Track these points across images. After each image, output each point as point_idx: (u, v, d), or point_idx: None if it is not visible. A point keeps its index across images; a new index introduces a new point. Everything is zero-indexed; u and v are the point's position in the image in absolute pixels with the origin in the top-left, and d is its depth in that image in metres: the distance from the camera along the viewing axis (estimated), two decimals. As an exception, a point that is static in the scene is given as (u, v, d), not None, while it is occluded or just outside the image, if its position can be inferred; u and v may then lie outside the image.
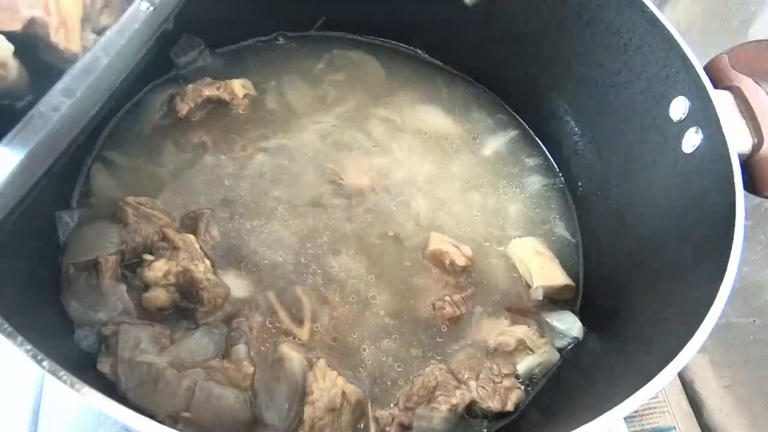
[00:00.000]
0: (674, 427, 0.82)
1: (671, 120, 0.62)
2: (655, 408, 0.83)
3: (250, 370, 0.57)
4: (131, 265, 0.62)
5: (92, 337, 0.57)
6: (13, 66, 0.48)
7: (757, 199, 0.60)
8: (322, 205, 0.72)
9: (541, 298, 0.68)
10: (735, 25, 0.83)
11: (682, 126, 0.60)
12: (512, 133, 0.85)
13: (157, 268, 0.59)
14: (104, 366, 0.54)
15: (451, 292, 0.67)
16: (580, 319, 0.68)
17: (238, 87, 0.78)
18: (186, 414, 0.53)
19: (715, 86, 0.58)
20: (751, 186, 0.57)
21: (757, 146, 0.57)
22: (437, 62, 0.89)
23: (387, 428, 0.57)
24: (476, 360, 0.62)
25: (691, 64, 0.59)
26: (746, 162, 0.57)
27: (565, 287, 0.69)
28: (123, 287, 0.60)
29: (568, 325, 0.67)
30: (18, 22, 0.48)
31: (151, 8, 0.51)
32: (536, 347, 0.64)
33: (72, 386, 0.38)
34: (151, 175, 0.71)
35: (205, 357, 0.58)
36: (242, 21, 0.83)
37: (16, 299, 0.48)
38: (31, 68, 0.49)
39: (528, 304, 0.69)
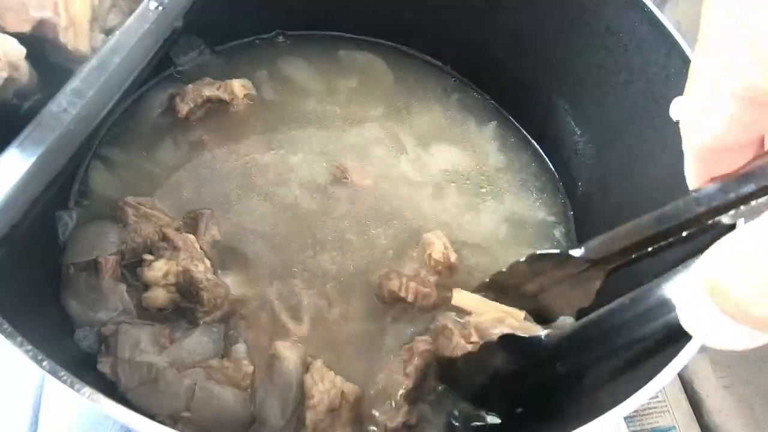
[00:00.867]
0: (674, 427, 0.82)
1: (671, 120, 0.61)
2: (655, 408, 0.83)
3: (250, 369, 0.57)
4: (131, 265, 0.62)
5: (92, 337, 0.57)
6: (25, 68, 0.49)
7: (757, 199, 0.60)
8: (322, 205, 0.72)
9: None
10: (735, 25, 0.83)
11: (682, 126, 0.60)
12: (510, 133, 0.85)
13: (157, 268, 0.59)
14: (104, 366, 0.54)
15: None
16: (577, 318, 0.68)
17: (238, 87, 0.77)
18: (186, 414, 0.53)
19: (715, 86, 0.58)
20: (751, 186, 0.57)
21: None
22: (436, 62, 0.89)
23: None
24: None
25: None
26: (746, 162, 0.57)
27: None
28: (123, 287, 0.60)
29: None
30: (27, 24, 0.49)
31: (161, 8, 0.51)
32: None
33: (72, 386, 0.38)
34: (150, 175, 0.71)
35: (205, 356, 0.58)
36: (242, 20, 0.83)
37: (16, 299, 0.48)
38: (38, 69, 0.50)
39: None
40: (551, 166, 0.83)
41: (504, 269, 0.48)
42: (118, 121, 0.74)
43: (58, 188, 0.66)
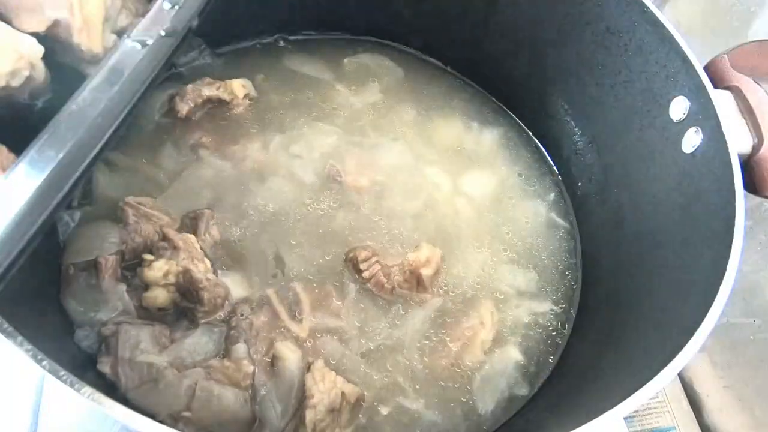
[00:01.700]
0: (674, 427, 0.82)
1: (671, 120, 0.62)
2: (655, 408, 0.83)
3: (250, 369, 0.57)
4: (131, 265, 0.62)
5: (92, 337, 0.57)
6: (42, 68, 0.49)
7: (757, 199, 0.60)
8: (321, 205, 0.72)
9: None
10: (735, 25, 0.83)
11: (682, 126, 0.60)
12: (511, 132, 0.85)
13: (157, 268, 0.59)
14: (104, 366, 0.54)
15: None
16: (577, 320, 0.69)
17: (238, 87, 0.78)
18: (186, 414, 0.53)
19: (715, 86, 0.58)
20: (751, 186, 0.57)
21: (757, 146, 0.57)
22: (436, 62, 0.89)
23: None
24: None
25: (691, 64, 0.59)
26: (746, 162, 0.57)
27: None
28: (123, 287, 0.59)
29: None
30: (43, 24, 0.49)
31: (176, 7, 0.51)
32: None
33: (72, 386, 0.38)
34: (151, 175, 0.71)
35: (205, 356, 0.58)
36: (243, 21, 0.83)
37: (16, 299, 0.48)
38: (50, 69, 0.50)
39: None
40: (552, 166, 0.83)
41: None
42: (119, 123, 0.74)
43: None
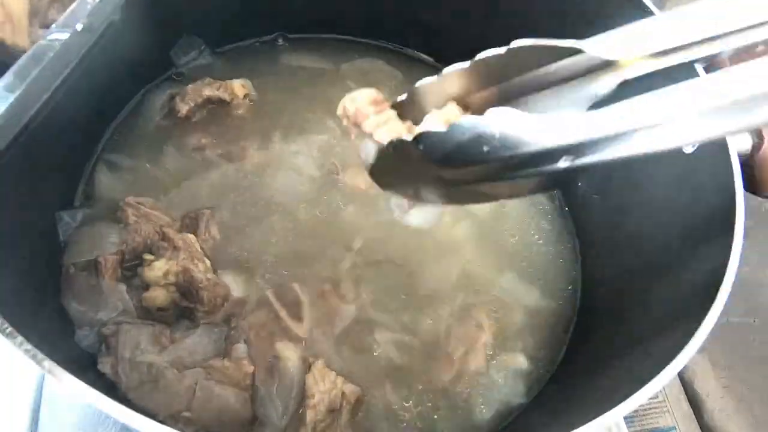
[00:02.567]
0: (674, 427, 0.82)
1: (671, 120, 0.61)
2: (655, 408, 0.83)
3: (250, 369, 0.57)
4: (131, 265, 0.62)
5: (92, 337, 0.57)
6: None
7: (757, 199, 0.60)
8: (320, 205, 0.71)
9: None
10: (735, 25, 0.83)
11: (682, 126, 0.60)
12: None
13: (157, 268, 0.59)
14: (105, 366, 0.54)
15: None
16: (577, 321, 0.69)
17: (238, 87, 0.78)
18: (187, 414, 0.53)
19: (715, 86, 0.58)
20: (751, 186, 0.57)
21: (757, 146, 0.57)
22: (436, 63, 0.89)
23: None
24: None
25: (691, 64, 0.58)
26: (746, 162, 0.57)
27: None
28: (123, 287, 0.60)
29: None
30: None
31: (97, 1, 0.51)
32: None
33: (72, 386, 0.38)
34: (151, 176, 0.71)
35: (205, 356, 0.58)
36: (242, 21, 0.83)
37: (16, 299, 0.48)
38: None
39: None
40: (551, 166, 0.83)
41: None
42: (120, 123, 0.75)
43: (60, 189, 0.67)
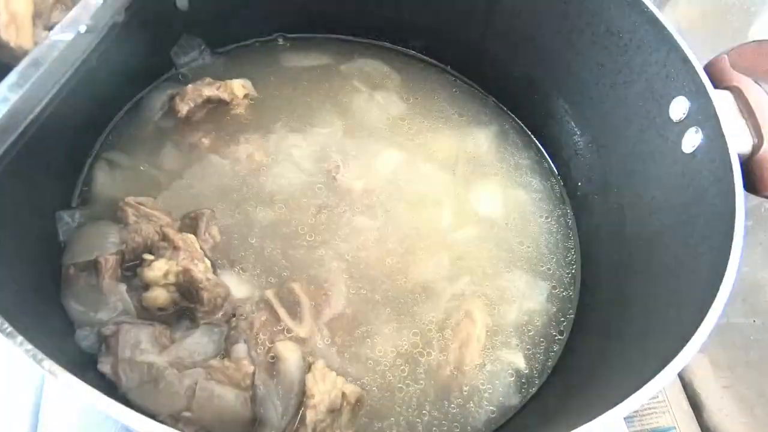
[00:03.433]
0: (674, 427, 0.82)
1: (671, 120, 0.62)
2: (655, 408, 0.83)
3: (250, 369, 0.57)
4: (131, 265, 0.62)
5: (93, 337, 0.57)
6: None
7: (757, 199, 0.60)
8: (319, 205, 0.71)
9: None
10: (735, 25, 0.83)
11: (682, 126, 0.60)
12: (512, 132, 0.85)
13: (157, 268, 0.59)
14: (105, 366, 0.54)
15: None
16: (577, 320, 0.68)
17: (238, 87, 0.78)
18: (187, 413, 0.53)
19: (715, 86, 0.58)
20: (751, 186, 0.57)
21: (757, 146, 0.57)
22: (436, 63, 0.89)
23: None
24: None
25: (691, 64, 0.59)
26: (746, 162, 0.57)
27: None
28: (123, 287, 0.60)
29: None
30: None
31: (101, 2, 0.51)
32: None
33: (72, 386, 0.38)
34: (151, 175, 0.71)
35: (205, 356, 0.58)
36: (242, 21, 0.83)
37: (16, 299, 0.48)
38: None
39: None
40: (552, 166, 0.83)
41: None
42: (120, 123, 0.75)
43: (59, 189, 0.67)
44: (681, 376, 0.86)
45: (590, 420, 0.42)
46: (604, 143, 0.75)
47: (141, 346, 0.55)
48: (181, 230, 0.65)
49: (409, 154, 0.79)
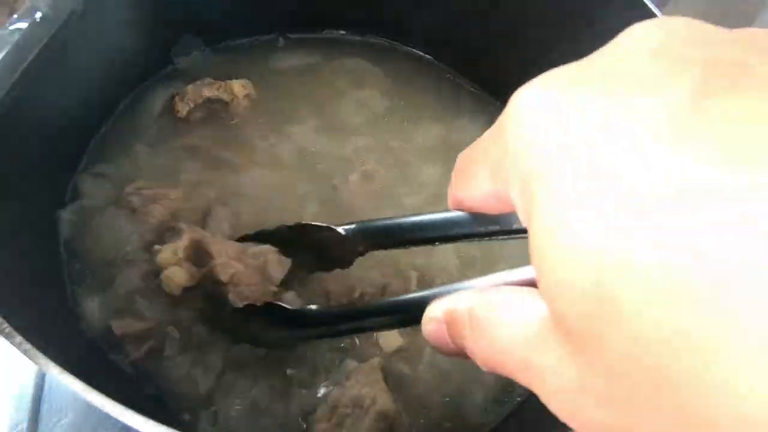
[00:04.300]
0: (674, 428, 0.82)
1: (671, 120, 0.61)
2: (655, 408, 0.83)
3: None
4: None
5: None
6: None
7: (757, 200, 0.60)
8: (319, 205, 0.72)
9: None
10: (735, 25, 0.82)
11: (682, 126, 0.60)
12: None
13: (168, 249, 0.59)
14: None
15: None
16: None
17: (238, 87, 0.77)
18: None
19: (715, 86, 0.58)
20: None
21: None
22: (437, 62, 0.89)
23: None
24: None
25: (691, 64, 0.58)
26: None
27: None
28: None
29: None
30: None
31: None
32: None
33: (72, 386, 0.38)
34: (150, 175, 0.71)
35: None
36: (243, 21, 0.83)
37: (15, 299, 0.48)
38: None
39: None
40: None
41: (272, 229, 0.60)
42: (118, 122, 0.75)
43: (56, 186, 0.67)
44: (681, 376, 0.86)
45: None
46: (604, 143, 0.75)
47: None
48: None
49: (408, 154, 0.78)
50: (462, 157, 0.32)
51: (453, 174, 0.33)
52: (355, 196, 0.73)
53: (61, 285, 0.61)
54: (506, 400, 0.63)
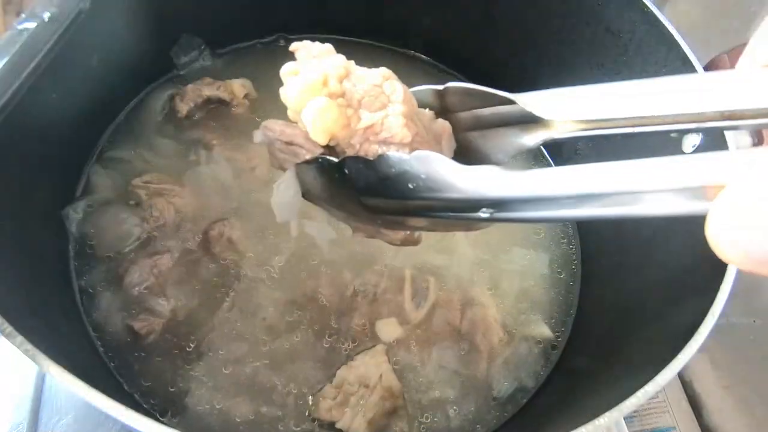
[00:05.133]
0: (674, 427, 0.82)
1: (671, 120, 0.61)
2: (655, 408, 0.83)
3: None
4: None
5: None
6: None
7: (757, 199, 0.60)
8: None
9: None
10: (735, 25, 0.83)
11: (682, 126, 0.60)
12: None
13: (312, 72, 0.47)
14: None
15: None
16: (577, 320, 0.69)
17: (238, 87, 0.77)
18: None
19: (715, 86, 0.58)
20: (751, 186, 0.57)
21: (756, 146, 0.57)
22: (438, 64, 0.89)
23: None
24: None
25: (691, 64, 0.59)
26: (746, 162, 0.57)
27: None
28: None
29: None
30: None
31: None
32: None
33: (72, 386, 0.38)
34: (154, 172, 0.71)
35: None
36: (243, 21, 0.83)
37: (16, 299, 0.48)
38: None
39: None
40: (552, 164, 0.83)
41: None
42: (120, 123, 0.75)
43: (59, 188, 0.67)
44: (681, 376, 0.86)
45: (590, 420, 0.42)
46: (604, 144, 0.75)
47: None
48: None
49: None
50: None
51: None
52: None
53: (65, 284, 0.61)
54: (509, 401, 0.63)
